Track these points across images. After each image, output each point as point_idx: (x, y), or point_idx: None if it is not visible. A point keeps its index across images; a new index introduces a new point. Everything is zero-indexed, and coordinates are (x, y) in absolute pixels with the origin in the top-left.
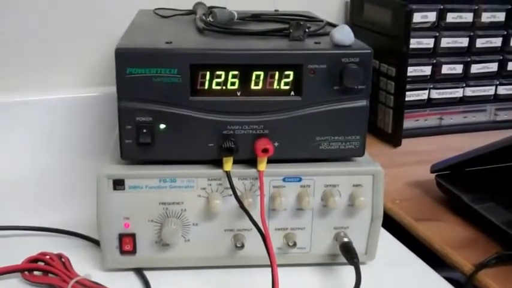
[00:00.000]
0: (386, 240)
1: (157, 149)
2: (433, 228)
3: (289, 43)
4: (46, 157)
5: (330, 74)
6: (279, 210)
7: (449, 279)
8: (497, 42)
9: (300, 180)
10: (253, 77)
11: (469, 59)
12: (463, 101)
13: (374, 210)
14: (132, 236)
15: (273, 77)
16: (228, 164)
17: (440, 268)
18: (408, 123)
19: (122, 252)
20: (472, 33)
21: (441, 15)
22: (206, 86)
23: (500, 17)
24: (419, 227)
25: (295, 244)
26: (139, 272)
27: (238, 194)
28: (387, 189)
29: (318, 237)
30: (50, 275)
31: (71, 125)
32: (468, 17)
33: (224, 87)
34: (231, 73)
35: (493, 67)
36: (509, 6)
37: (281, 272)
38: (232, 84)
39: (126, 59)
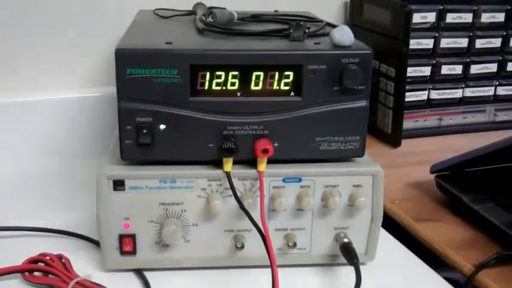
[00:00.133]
0: (386, 241)
1: (157, 150)
2: (433, 229)
3: (289, 43)
4: (46, 158)
5: (330, 74)
6: (279, 210)
7: (449, 280)
8: (496, 42)
9: (300, 180)
10: (253, 78)
11: (468, 60)
12: (463, 101)
13: (374, 210)
14: (132, 236)
15: (273, 77)
16: (228, 165)
17: (440, 268)
18: (408, 123)
19: (122, 252)
20: (471, 34)
21: (441, 16)
22: (206, 87)
23: (500, 17)
24: (419, 228)
25: (295, 245)
26: (139, 272)
27: (238, 194)
28: (387, 190)
29: (318, 238)
30: (50, 275)
31: (71, 125)
32: (468, 18)
33: (224, 88)
34: (231, 73)
35: (493, 68)
36: (509, 7)
37: (281, 272)
38: (232, 84)
39: (126, 59)
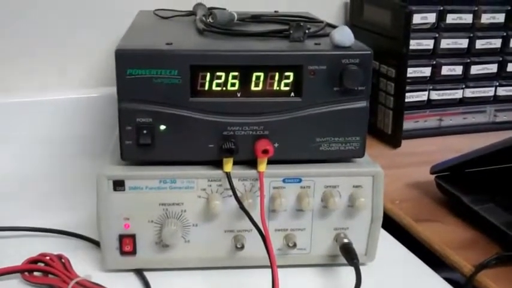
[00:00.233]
0: (386, 241)
1: (158, 150)
2: (433, 229)
3: (289, 44)
4: (46, 158)
5: (330, 75)
6: (279, 211)
7: (449, 280)
8: (496, 43)
9: (300, 181)
10: (253, 78)
11: (468, 60)
12: (463, 102)
13: (374, 211)
14: (132, 236)
15: (273, 78)
16: (228, 165)
17: (440, 269)
18: (408, 124)
19: (122, 253)
20: (471, 35)
21: (441, 17)
22: (206, 87)
23: (500, 18)
24: (419, 228)
25: (295, 245)
26: (139, 272)
27: (238, 194)
28: (387, 190)
29: (318, 238)
30: (50, 275)
31: (71, 125)
32: (468, 18)
33: (224, 88)
34: (231, 74)
35: (493, 68)
36: (509, 8)
37: (281, 272)
38: (232, 85)
39: (126, 60)
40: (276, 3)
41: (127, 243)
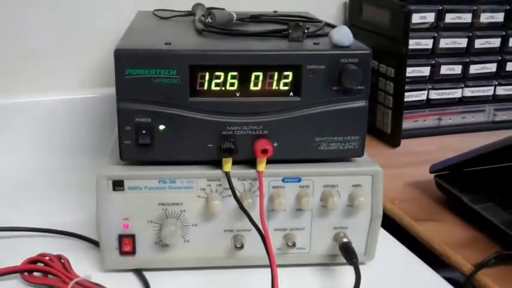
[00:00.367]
0: (386, 241)
1: (157, 150)
2: (433, 229)
3: (288, 44)
4: (46, 158)
5: (329, 74)
6: (278, 210)
7: (448, 279)
8: (496, 42)
9: (299, 180)
10: (253, 78)
11: (467, 60)
12: (462, 101)
13: (373, 210)
14: (132, 236)
15: (272, 77)
16: (228, 165)
17: (440, 268)
18: (407, 123)
19: (122, 253)
20: (470, 34)
21: (440, 16)
22: (205, 87)
23: (499, 17)
24: (419, 227)
25: (294, 244)
26: (138, 272)
27: (238, 194)
28: (386, 190)
29: (317, 238)
30: (49, 276)
31: (70, 126)
32: (467, 18)
33: (223, 88)
34: (230, 74)
35: (492, 68)
36: (508, 7)
37: (280, 272)
38: (232, 85)
39: (125, 60)
40: (275, 3)
41: (126, 243)
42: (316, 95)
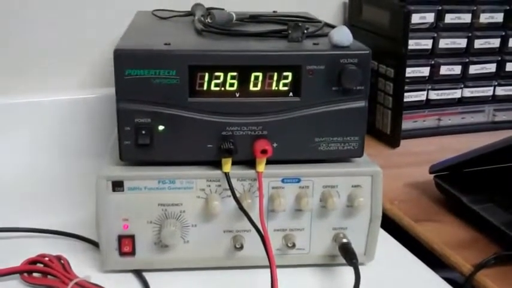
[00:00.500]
0: (385, 241)
1: (156, 150)
2: (432, 229)
3: (288, 44)
4: (45, 159)
5: (329, 74)
6: (278, 211)
7: (448, 280)
8: (495, 43)
9: (298, 181)
10: (252, 78)
11: (467, 60)
12: (462, 101)
13: (373, 210)
14: (131, 237)
15: (271, 78)
16: (227, 165)
17: (439, 268)
18: (406, 124)
19: (121, 253)
20: (470, 34)
21: (439, 16)
22: (205, 87)
23: (499, 17)
24: (418, 228)
25: (294, 245)
26: (138, 273)
27: (237, 195)
28: (386, 190)
29: (317, 238)
30: (49, 276)
31: (70, 126)
32: (466, 18)
33: (223, 89)
34: (229, 74)
35: (491, 68)
36: (507, 7)
37: (280, 273)
38: (231, 85)
39: (124, 60)
40: (275, 3)
41: (126, 244)
42: (315, 96)
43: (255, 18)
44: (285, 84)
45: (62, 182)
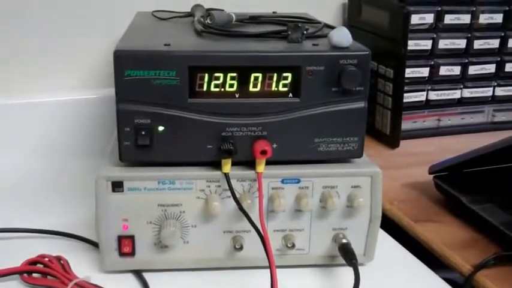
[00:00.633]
0: (385, 242)
1: (156, 151)
2: (432, 229)
3: (287, 45)
4: (45, 159)
5: (328, 75)
6: (277, 211)
7: (447, 280)
8: (494, 43)
9: (298, 181)
10: (252, 79)
11: (466, 61)
12: (461, 102)
13: (372, 211)
14: (131, 238)
15: (271, 78)
16: (227, 166)
17: (439, 269)
18: (406, 124)
19: (121, 254)
20: (469, 35)
21: (439, 17)
22: (205, 88)
23: (498, 18)
24: (418, 228)
25: (293, 245)
26: (138, 273)
27: (237, 195)
28: (385, 191)
29: (316, 239)
30: (49, 277)
31: (70, 127)
32: (466, 19)
33: (222, 89)
34: (229, 75)
35: (491, 68)
36: (507, 8)
37: (280, 273)
38: (231, 86)
39: (124, 61)
40: (274, 4)
41: (126, 244)
42: (315, 96)
43: (255, 19)
44: (284, 85)
45: (61, 182)
